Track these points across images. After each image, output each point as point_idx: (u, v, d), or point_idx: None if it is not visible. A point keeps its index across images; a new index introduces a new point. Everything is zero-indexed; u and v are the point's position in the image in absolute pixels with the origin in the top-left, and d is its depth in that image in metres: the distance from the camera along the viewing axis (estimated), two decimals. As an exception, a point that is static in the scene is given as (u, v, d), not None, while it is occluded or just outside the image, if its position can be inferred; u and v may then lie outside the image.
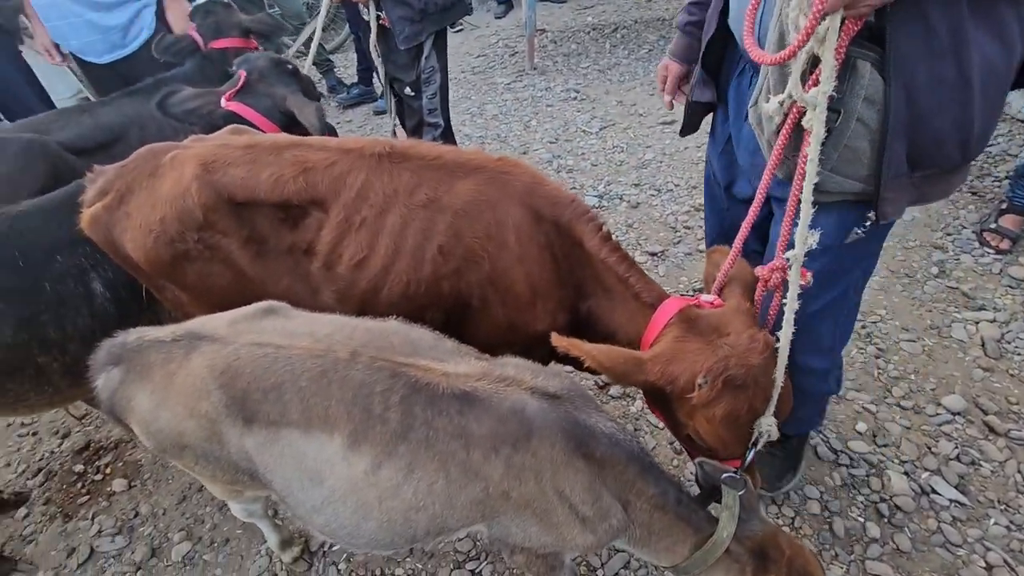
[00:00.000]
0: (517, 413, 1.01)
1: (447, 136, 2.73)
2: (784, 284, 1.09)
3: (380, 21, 2.44)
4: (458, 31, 6.01)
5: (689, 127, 1.92)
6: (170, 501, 2.32)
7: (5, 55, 3.14)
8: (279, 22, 2.69)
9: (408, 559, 1.93)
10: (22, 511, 2.37)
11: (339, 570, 1.98)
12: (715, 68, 1.56)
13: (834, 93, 0.91)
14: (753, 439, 1.12)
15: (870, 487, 1.90)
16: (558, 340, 1.14)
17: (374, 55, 2.56)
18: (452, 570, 1.87)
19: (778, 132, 1.02)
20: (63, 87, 5.63)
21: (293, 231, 1.42)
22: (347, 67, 5.76)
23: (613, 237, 1.32)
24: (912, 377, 2.23)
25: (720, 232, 1.77)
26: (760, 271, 1.14)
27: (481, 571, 1.86)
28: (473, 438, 1.02)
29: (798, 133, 0.99)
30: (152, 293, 1.62)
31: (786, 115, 0.99)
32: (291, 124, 1.97)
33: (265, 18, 2.62)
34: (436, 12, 2.39)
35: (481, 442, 1.01)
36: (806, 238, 0.99)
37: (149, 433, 1.16)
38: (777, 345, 1.09)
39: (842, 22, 0.86)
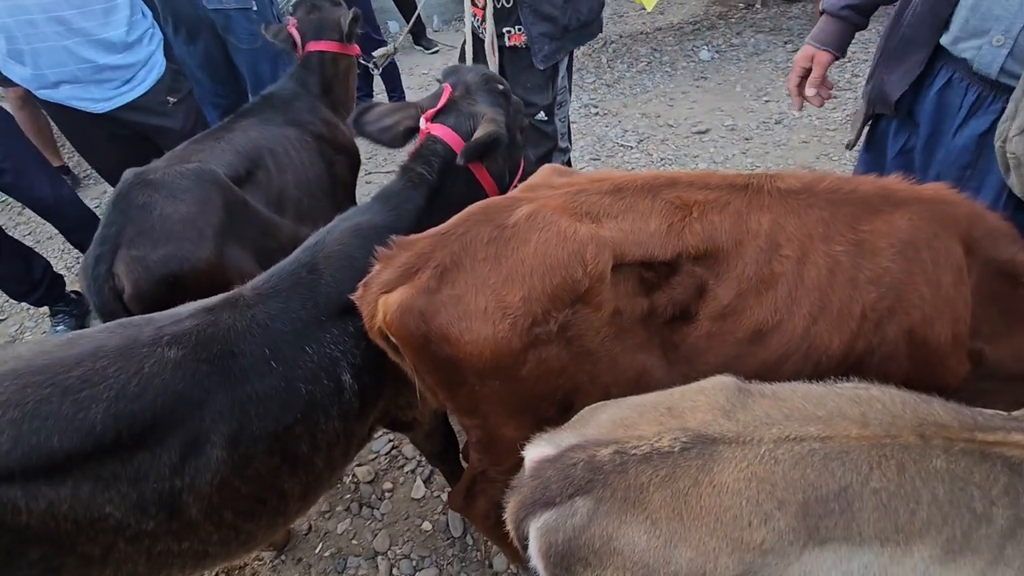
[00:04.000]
0: None
1: (570, 163, 2.50)
2: None
3: (509, 40, 2.17)
4: (434, 52, 5.70)
5: (858, 137, 1.80)
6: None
7: None
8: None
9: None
10: None
11: None
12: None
13: None
14: None
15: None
16: None
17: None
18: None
19: None
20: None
21: (652, 294, 1.15)
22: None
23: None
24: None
25: None
26: None
27: None
28: None
29: None
30: (425, 391, 1.26)
31: None
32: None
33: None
34: (576, 28, 2.17)
35: None
36: None
37: None
38: None
39: None
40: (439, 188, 1.52)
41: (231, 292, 1.22)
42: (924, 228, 1.11)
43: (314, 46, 2.22)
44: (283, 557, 2.09)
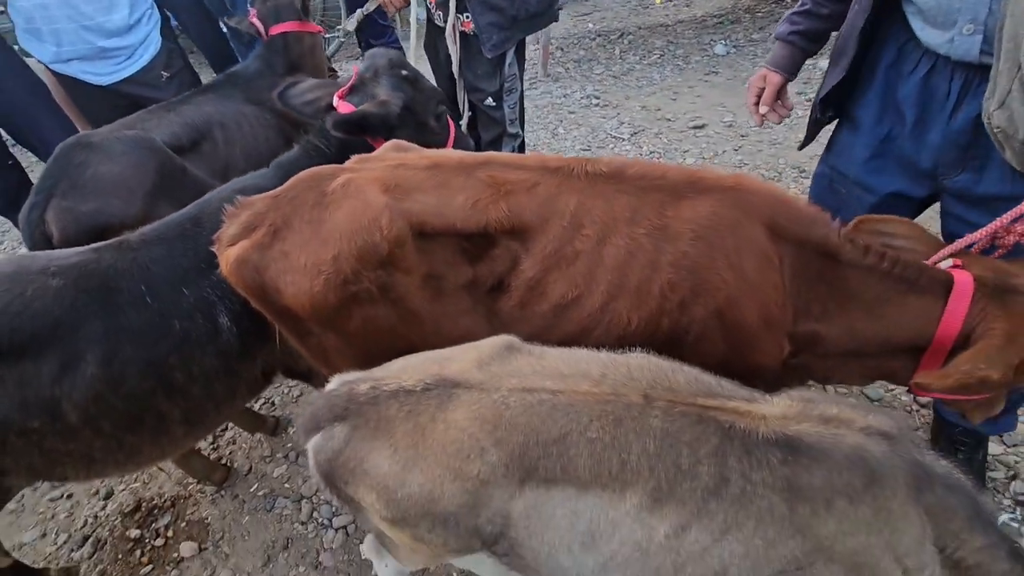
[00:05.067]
0: (857, 460, 0.90)
1: (523, 148, 2.59)
2: None
3: (461, 27, 2.28)
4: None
5: (810, 138, 1.88)
6: (253, 564, 2.08)
7: None
8: None
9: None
10: (74, 590, 2.06)
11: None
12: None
13: None
14: None
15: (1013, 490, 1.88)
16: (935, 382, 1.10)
17: (455, 66, 2.39)
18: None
19: None
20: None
21: (475, 264, 1.26)
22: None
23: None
24: None
25: None
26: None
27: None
28: (801, 491, 0.91)
29: None
30: (286, 339, 1.41)
31: None
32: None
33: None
34: (525, 19, 2.26)
35: (811, 495, 0.91)
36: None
37: (390, 501, 0.99)
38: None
39: None
40: (338, 161, 1.67)
41: (119, 237, 1.41)
42: (726, 215, 1.15)
43: (276, 29, 2.40)
44: (222, 492, 2.32)
